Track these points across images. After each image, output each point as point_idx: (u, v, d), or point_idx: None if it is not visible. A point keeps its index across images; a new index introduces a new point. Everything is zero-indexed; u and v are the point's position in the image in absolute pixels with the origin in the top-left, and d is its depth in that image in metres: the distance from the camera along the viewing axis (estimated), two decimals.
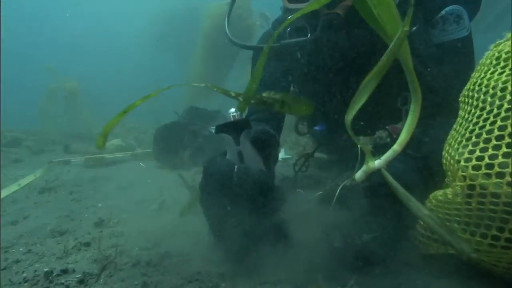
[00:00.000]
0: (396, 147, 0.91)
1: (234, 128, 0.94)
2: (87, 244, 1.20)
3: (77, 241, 1.22)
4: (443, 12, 1.29)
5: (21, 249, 1.18)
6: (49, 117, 6.42)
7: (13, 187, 2.13)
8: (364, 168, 0.93)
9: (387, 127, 1.56)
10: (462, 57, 1.28)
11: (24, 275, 0.97)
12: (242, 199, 0.88)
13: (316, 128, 1.81)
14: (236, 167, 0.90)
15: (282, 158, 3.07)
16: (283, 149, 3.29)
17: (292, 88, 1.68)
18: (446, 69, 1.22)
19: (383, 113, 1.49)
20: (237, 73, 6.41)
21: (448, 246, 0.81)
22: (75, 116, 6.40)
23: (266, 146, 0.98)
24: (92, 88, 8.70)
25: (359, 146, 0.97)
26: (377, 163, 0.91)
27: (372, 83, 0.89)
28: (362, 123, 1.45)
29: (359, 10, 0.91)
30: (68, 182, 2.31)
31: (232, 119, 0.93)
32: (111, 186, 2.30)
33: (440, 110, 1.22)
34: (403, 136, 0.92)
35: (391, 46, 0.88)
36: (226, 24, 1.64)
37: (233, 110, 0.95)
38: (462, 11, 1.27)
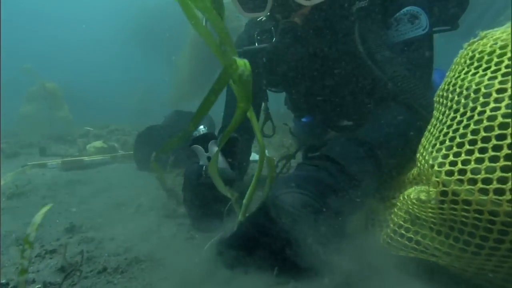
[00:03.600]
0: None
1: (204, 140, 1.26)
2: (53, 252, 1.13)
3: (42, 249, 1.16)
4: (398, 13, 1.32)
5: None
6: (28, 118, 6.23)
7: None
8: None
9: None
10: (416, 56, 1.30)
11: None
12: (208, 190, 1.17)
13: (303, 119, 2.02)
14: (204, 167, 1.21)
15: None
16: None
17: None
18: (399, 69, 1.23)
19: (356, 110, 1.60)
20: None
21: (418, 252, 0.79)
22: (55, 117, 6.23)
23: (230, 149, 1.27)
24: (73, 88, 8.50)
25: None
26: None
27: (212, 98, 0.88)
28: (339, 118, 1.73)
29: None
30: (42, 186, 2.21)
31: (201, 133, 1.28)
32: (87, 190, 2.22)
33: (395, 110, 1.24)
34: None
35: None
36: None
37: (201, 127, 1.36)
38: (419, 11, 1.30)
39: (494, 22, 5.42)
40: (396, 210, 0.87)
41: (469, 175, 0.66)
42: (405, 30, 1.31)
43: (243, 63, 0.81)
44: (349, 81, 1.45)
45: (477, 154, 0.68)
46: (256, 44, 1.50)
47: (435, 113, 0.94)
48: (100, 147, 4.04)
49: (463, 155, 0.70)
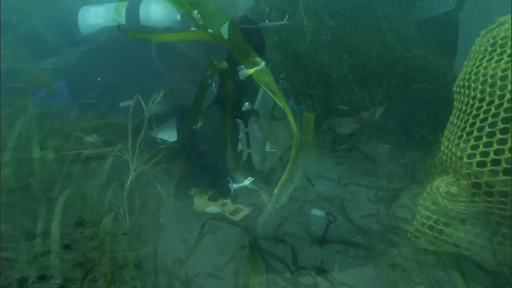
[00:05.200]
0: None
1: (246, 115, 1.35)
2: (67, 247, 1.11)
3: (55, 244, 1.13)
4: None
5: None
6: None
7: None
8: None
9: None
10: (443, 34, 1.25)
11: None
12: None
13: (302, 106, 1.93)
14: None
15: (267, 152, 3.03)
16: (268, 143, 3.25)
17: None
18: (428, 48, 1.21)
19: (365, 98, 1.53)
20: None
21: (450, 245, 0.79)
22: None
23: None
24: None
25: None
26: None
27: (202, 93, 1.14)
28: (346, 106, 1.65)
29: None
30: (43, 180, 2.16)
31: (244, 109, 1.36)
32: (90, 183, 2.18)
33: (419, 91, 1.24)
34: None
35: None
36: None
37: (247, 104, 1.36)
38: None
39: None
40: (422, 201, 0.86)
41: (504, 165, 0.65)
42: (431, 6, 1.24)
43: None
44: (368, 60, 1.38)
45: (510, 143, 0.67)
46: (267, 21, 1.45)
47: (456, 103, 0.93)
48: (96, 141, 3.98)
49: (495, 144, 0.69)
